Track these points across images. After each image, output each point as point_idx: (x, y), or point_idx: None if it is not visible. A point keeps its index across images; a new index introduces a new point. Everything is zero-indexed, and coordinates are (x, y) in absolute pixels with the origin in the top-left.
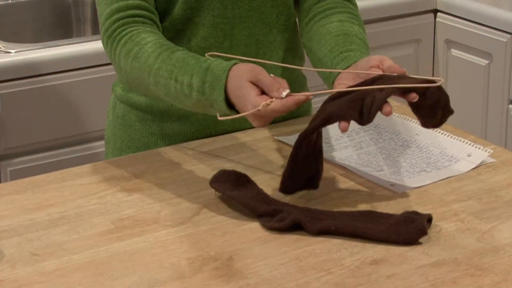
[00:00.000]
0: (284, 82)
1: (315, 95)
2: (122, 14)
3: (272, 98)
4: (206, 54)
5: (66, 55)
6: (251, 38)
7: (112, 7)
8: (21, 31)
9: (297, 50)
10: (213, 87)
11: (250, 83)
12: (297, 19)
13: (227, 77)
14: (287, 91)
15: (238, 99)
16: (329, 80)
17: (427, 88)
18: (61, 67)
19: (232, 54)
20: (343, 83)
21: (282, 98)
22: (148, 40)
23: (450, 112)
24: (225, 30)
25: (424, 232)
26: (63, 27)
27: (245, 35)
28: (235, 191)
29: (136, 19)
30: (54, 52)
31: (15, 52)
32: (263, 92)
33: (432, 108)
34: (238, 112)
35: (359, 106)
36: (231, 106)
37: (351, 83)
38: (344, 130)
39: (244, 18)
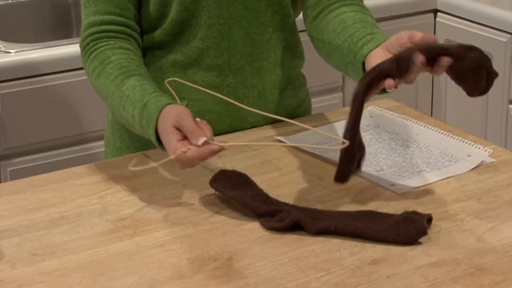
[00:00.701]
0: (206, 128)
1: (230, 146)
2: (96, 28)
3: (191, 145)
4: (165, 81)
5: (66, 55)
6: (247, 37)
7: (89, 20)
8: (21, 31)
9: (296, 49)
10: (148, 124)
11: (173, 128)
12: (302, 15)
13: (157, 118)
14: (204, 139)
15: (164, 142)
16: (355, 63)
17: (466, 52)
18: (61, 67)
19: (229, 53)
20: (376, 62)
21: (199, 146)
22: (112, 59)
23: (495, 74)
24: (222, 31)
25: (424, 232)
26: (63, 27)
27: (241, 35)
28: (235, 191)
29: (109, 34)
30: (54, 52)
31: (15, 52)
32: (186, 137)
33: (476, 72)
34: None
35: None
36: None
37: (385, 58)
38: (390, 88)
39: (240, 18)
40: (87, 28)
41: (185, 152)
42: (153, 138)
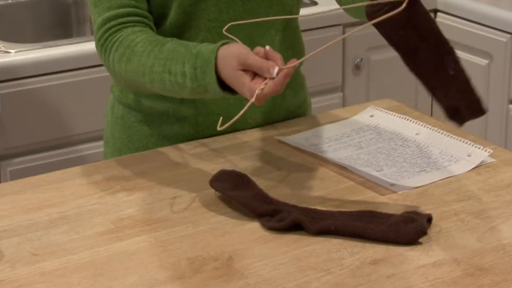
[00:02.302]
0: (274, 56)
1: (301, 60)
2: (113, 22)
3: (264, 79)
4: (223, 29)
5: (66, 55)
6: (248, 40)
7: (103, 16)
8: (21, 31)
9: (297, 47)
10: (204, 71)
11: (239, 71)
12: None
13: (216, 58)
14: (277, 68)
15: (235, 87)
16: None
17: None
18: (61, 67)
19: None
20: None
21: (274, 77)
22: (138, 40)
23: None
24: (222, 34)
25: (424, 232)
26: (63, 27)
27: (241, 38)
28: (235, 191)
29: (128, 24)
30: (54, 52)
31: (15, 52)
32: (256, 74)
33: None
34: (232, 93)
35: None
36: (224, 86)
37: None
38: None
39: (240, 20)
40: (102, 25)
41: (263, 88)
42: (213, 83)
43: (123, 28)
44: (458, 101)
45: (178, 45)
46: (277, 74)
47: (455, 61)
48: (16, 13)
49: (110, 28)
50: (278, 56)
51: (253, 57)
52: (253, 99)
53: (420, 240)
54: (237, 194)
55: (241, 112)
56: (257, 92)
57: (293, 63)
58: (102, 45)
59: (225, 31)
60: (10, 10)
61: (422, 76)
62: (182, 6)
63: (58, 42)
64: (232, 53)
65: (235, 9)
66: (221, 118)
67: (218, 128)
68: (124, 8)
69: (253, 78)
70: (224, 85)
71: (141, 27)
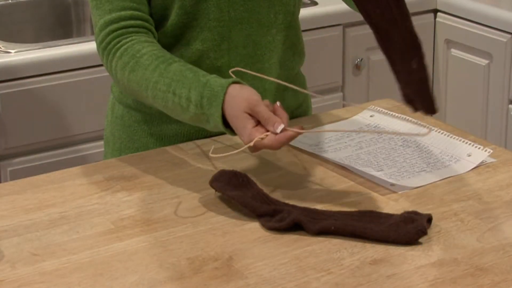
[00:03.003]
0: (282, 114)
1: (307, 131)
2: (115, 25)
3: (267, 131)
4: (230, 71)
5: (66, 55)
6: (248, 39)
7: (105, 19)
8: (21, 31)
9: (297, 47)
10: (211, 102)
11: (246, 114)
12: None
13: (224, 94)
14: (282, 126)
15: (235, 127)
16: None
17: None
18: (61, 67)
19: (230, 56)
20: None
21: (277, 133)
22: (144, 52)
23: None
24: (223, 33)
25: (424, 232)
26: (63, 27)
27: (242, 37)
28: (235, 191)
29: (130, 29)
30: (54, 52)
31: (15, 52)
32: (259, 122)
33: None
34: (231, 131)
35: None
36: (226, 122)
37: None
38: None
39: (241, 20)
40: (104, 27)
41: (262, 139)
42: (217, 116)
43: (126, 34)
44: (414, 94)
45: (185, 69)
46: (280, 131)
47: (420, 56)
48: (16, 13)
49: (112, 31)
50: (285, 116)
51: (263, 107)
52: (250, 144)
53: (420, 240)
54: (237, 194)
55: (236, 151)
56: (256, 139)
57: (299, 129)
58: (104, 48)
59: (231, 72)
60: (10, 10)
61: (389, 58)
62: (183, 7)
63: (58, 42)
64: (243, 96)
65: (236, 9)
66: (213, 146)
67: (211, 155)
68: (126, 10)
69: (255, 126)
70: (224, 121)
71: (145, 36)
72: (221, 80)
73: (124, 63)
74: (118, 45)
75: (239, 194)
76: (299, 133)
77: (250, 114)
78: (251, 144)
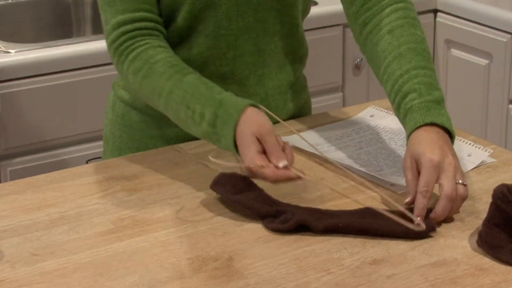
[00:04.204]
0: (289, 152)
1: (308, 180)
2: (128, 27)
3: (269, 162)
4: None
5: (66, 55)
6: (254, 48)
7: (118, 19)
8: (21, 31)
9: (297, 53)
10: (224, 123)
11: (255, 137)
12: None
13: (239, 117)
14: (286, 163)
15: (239, 145)
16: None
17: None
18: (61, 67)
19: (235, 63)
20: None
21: (279, 168)
22: (157, 58)
23: None
24: (229, 41)
25: (433, 229)
26: (63, 27)
27: (249, 46)
28: (236, 194)
29: (143, 31)
30: (54, 52)
31: (15, 52)
32: (263, 150)
33: None
34: (237, 150)
35: None
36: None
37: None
38: None
39: (249, 29)
40: (117, 27)
41: (263, 167)
42: (229, 138)
43: (139, 36)
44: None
45: (200, 83)
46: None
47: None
48: (16, 13)
49: (126, 32)
50: (291, 157)
51: (273, 138)
52: (248, 166)
53: (420, 240)
54: (239, 197)
55: (234, 164)
56: (256, 163)
57: (301, 174)
58: (116, 48)
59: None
60: (10, 10)
61: None
62: (191, 12)
63: (58, 42)
64: (258, 122)
65: (245, 18)
66: (210, 157)
67: (210, 158)
68: (140, 12)
69: (259, 152)
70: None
71: (158, 40)
72: (236, 100)
73: (137, 68)
74: (131, 47)
75: (241, 197)
76: (299, 178)
77: (258, 139)
78: (251, 166)
